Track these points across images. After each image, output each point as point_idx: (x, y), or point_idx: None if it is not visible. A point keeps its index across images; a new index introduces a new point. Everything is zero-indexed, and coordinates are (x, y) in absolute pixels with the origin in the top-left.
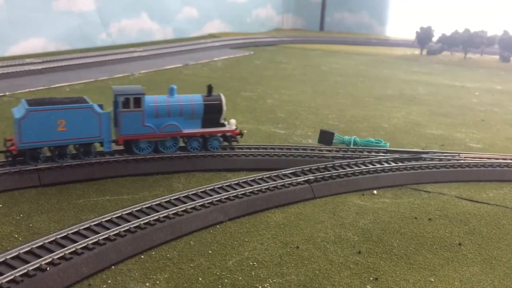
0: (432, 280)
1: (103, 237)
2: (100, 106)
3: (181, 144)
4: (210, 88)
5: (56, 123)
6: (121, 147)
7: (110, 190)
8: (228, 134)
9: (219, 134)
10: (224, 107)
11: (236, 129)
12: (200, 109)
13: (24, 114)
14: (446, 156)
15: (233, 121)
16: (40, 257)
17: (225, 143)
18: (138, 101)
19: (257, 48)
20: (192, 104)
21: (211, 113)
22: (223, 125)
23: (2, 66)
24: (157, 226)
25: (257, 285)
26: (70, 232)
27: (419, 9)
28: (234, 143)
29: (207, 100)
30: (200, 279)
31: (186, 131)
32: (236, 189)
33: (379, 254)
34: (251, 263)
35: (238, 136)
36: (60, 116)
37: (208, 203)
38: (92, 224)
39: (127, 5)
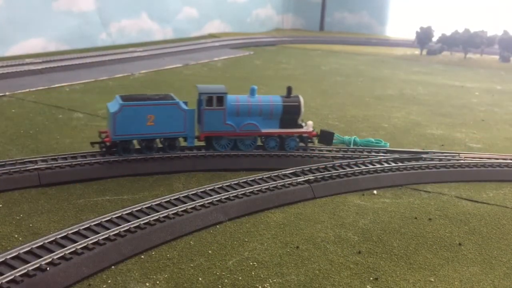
0: (432, 280)
1: (103, 237)
2: (185, 103)
3: (259, 143)
4: (289, 90)
5: (146, 118)
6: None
7: (110, 190)
8: (305, 135)
9: (296, 135)
10: (303, 109)
11: (313, 131)
12: (279, 109)
13: (118, 109)
14: (446, 156)
15: (310, 122)
16: (40, 257)
17: (301, 144)
18: (220, 100)
19: (257, 48)
20: (271, 104)
21: (290, 114)
22: (301, 126)
23: (2, 66)
24: (157, 226)
25: (257, 285)
26: (70, 232)
27: (419, 9)
28: (310, 144)
29: (286, 101)
30: (200, 279)
31: (264, 130)
32: (236, 189)
33: (379, 254)
34: (251, 263)
35: (314, 138)
36: (149, 112)
37: (208, 203)
38: (92, 224)
39: (127, 5)
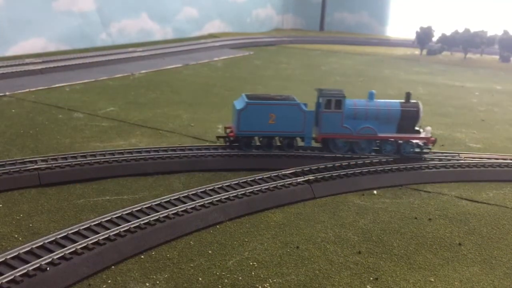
0: (432, 280)
1: (103, 237)
2: (305, 105)
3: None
4: (408, 95)
5: (268, 117)
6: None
7: (110, 190)
8: (422, 141)
9: (413, 140)
10: (421, 115)
11: (431, 136)
12: (396, 114)
13: (243, 106)
14: (446, 156)
15: (428, 128)
16: (40, 257)
17: (417, 149)
18: (339, 103)
19: (257, 48)
20: (389, 109)
21: (407, 119)
22: (418, 131)
23: (2, 66)
24: (157, 226)
25: (257, 285)
26: (70, 232)
27: (419, 9)
28: (426, 150)
29: (405, 107)
30: (200, 279)
31: (381, 134)
32: (236, 189)
33: (379, 254)
34: (251, 263)
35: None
36: (271, 111)
37: (208, 203)
38: (92, 224)
39: (127, 5)
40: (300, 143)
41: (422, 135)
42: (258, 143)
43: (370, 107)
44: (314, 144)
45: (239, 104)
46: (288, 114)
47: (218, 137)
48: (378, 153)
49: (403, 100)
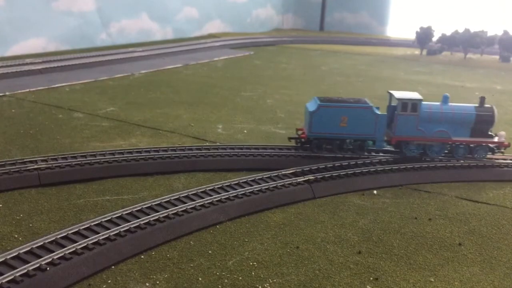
0: (432, 280)
1: (103, 237)
2: (377, 108)
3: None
4: (483, 100)
5: (339, 119)
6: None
7: (110, 190)
8: (495, 145)
9: (487, 144)
10: (495, 119)
11: (504, 141)
12: (471, 118)
13: (316, 109)
14: (446, 156)
15: (502, 133)
16: (40, 257)
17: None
18: (415, 106)
19: (257, 48)
20: (464, 113)
21: (481, 123)
22: (491, 136)
23: (2, 66)
24: (157, 226)
25: (257, 285)
26: (70, 232)
27: (419, 9)
28: (499, 154)
29: (479, 111)
30: (200, 279)
31: (455, 138)
32: (236, 189)
33: (379, 254)
34: (251, 263)
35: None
36: (343, 113)
37: (208, 203)
38: (92, 224)
39: (127, 5)
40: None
41: (495, 139)
42: (328, 146)
43: (445, 110)
44: (387, 146)
45: (311, 106)
46: (360, 117)
47: (289, 138)
48: (449, 156)
49: (477, 104)
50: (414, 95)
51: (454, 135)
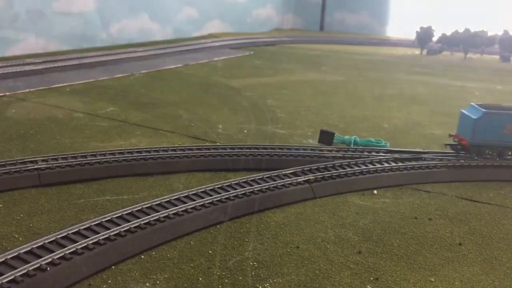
0: (433, 280)
1: (103, 237)
2: None
3: None
4: None
5: (504, 127)
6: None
7: (110, 190)
8: None
9: None
10: None
11: None
12: None
13: (480, 116)
14: (446, 156)
15: None
16: (40, 257)
17: None
18: None
19: (257, 48)
20: None
21: None
22: None
23: (2, 66)
24: (157, 226)
25: (258, 285)
26: (70, 232)
27: (419, 9)
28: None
29: None
30: (200, 279)
31: None
32: (236, 189)
33: (379, 254)
34: (251, 263)
35: None
36: (509, 121)
37: (208, 203)
38: (92, 224)
39: (127, 5)
40: None
41: None
42: (490, 152)
43: None
44: None
45: (472, 113)
46: None
47: (446, 144)
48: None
49: None
50: None
51: None
